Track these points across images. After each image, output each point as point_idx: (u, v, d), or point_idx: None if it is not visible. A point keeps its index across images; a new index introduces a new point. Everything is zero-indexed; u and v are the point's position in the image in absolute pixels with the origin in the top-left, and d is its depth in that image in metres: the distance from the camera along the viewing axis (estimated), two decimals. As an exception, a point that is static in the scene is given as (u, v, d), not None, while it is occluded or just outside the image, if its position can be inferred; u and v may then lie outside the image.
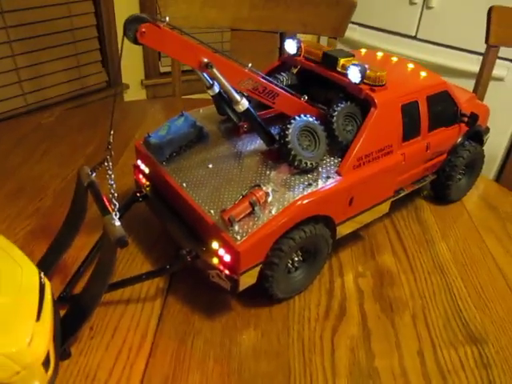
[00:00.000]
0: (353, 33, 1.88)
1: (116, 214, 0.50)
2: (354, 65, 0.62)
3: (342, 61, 0.65)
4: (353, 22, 1.83)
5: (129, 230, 0.71)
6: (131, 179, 0.74)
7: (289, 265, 0.61)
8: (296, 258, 0.62)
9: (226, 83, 0.55)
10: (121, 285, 0.59)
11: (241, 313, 0.61)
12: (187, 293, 0.63)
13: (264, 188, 0.57)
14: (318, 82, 0.70)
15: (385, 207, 0.69)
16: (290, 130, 0.58)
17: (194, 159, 0.65)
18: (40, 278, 0.53)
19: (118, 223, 0.50)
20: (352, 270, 0.69)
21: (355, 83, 0.62)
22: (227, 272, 0.55)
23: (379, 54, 0.78)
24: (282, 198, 0.57)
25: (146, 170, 0.69)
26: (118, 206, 0.51)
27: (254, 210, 0.55)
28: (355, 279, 0.67)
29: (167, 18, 0.49)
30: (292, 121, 0.59)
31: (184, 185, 0.62)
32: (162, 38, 0.49)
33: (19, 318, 0.47)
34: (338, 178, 0.60)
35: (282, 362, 0.55)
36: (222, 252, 0.55)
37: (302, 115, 0.60)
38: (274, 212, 0.55)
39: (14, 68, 1.54)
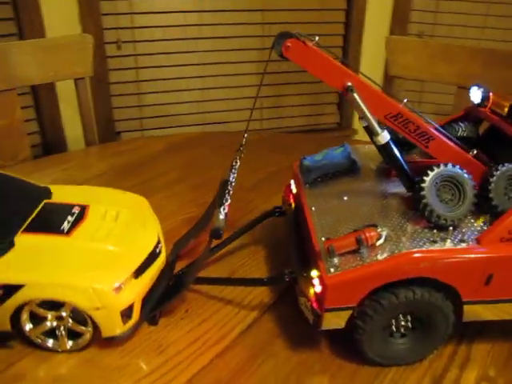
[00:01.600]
0: None
1: (224, 209, 0.54)
2: (534, 120, 0.51)
3: (528, 116, 0.54)
4: None
5: (263, 238, 0.74)
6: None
7: (393, 327, 0.53)
8: (403, 323, 0.53)
9: (367, 112, 0.52)
10: (216, 281, 0.62)
11: (324, 357, 0.56)
12: (285, 316, 0.61)
13: (379, 230, 0.51)
14: (507, 138, 0.59)
15: (550, 308, 0.54)
16: (430, 177, 0.52)
17: (335, 188, 0.64)
18: (156, 247, 0.60)
19: (222, 216, 0.53)
20: (480, 369, 0.55)
21: (535, 143, 0.51)
22: (313, 304, 0.52)
23: None
24: (396, 245, 0.51)
25: (294, 190, 0.71)
26: (229, 201, 0.54)
27: (360, 248, 0.51)
28: (478, 381, 0.53)
29: (317, 38, 0.50)
30: (435, 167, 0.52)
31: (313, 209, 0.61)
32: (306, 55, 0.50)
33: (118, 266, 0.54)
34: (475, 245, 0.50)
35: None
36: (316, 281, 0.52)
37: (451, 164, 0.52)
38: (379, 257, 0.50)
39: (260, 96, 1.77)
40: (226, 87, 1.68)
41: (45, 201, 0.62)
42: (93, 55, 1.08)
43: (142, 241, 0.59)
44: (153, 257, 0.59)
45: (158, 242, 0.61)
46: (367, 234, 0.51)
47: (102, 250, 0.55)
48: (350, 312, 0.51)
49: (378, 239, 0.51)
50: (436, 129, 0.56)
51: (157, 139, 1.16)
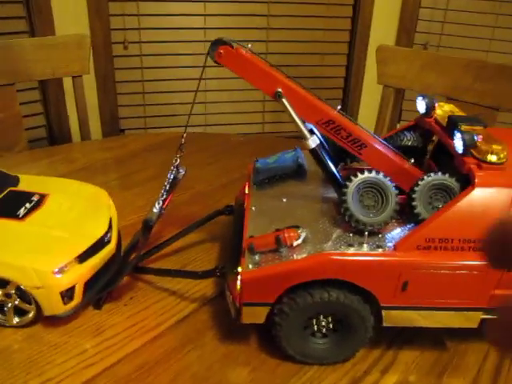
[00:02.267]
0: None
1: (159, 203, 0.57)
2: (458, 131, 0.52)
3: (463, 127, 0.55)
4: None
5: (219, 236, 0.78)
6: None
7: (314, 326, 0.55)
8: (324, 323, 0.55)
9: (295, 117, 0.55)
10: (155, 272, 0.65)
11: (250, 350, 0.58)
12: (222, 310, 0.63)
13: (299, 231, 0.53)
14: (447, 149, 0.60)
15: (471, 317, 0.54)
16: (353, 182, 0.53)
17: (278, 190, 0.66)
18: (104, 236, 0.63)
19: (155, 210, 0.56)
20: (401, 374, 0.56)
21: (459, 154, 0.52)
22: (235, 298, 0.54)
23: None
24: (314, 247, 0.53)
25: (247, 191, 0.73)
26: (164, 196, 0.57)
27: (279, 247, 0.53)
28: (397, 386, 0.55)
29: (250, 45, 0.53)
30: (359, 173, 0.54)
31: (253, 208, 0.63)
32: (237, 61, 0.53)
33: (61, 250, 0.58)
34: (390, 251, 0.51)
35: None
36: (239, 277, 0.55)
37: (374, 171, 0.54)
38: (296, 256, 0.52)
39: (262, 100, 1.80)
40: (229, 90, 1.72)
41: (10, 188, 0.66)
42: (90, 54, 1.13)
43: (91, 229, 0.63)
44: (100, 245, 0.62)
45: (107, 232, 0.64)
46: (286, 235, 0.53)
47: (49, 235, 0.59)
48: (269, 308, 0.54)
49: (297, 240, 0.53)
50: (372, 137, 0.57)
51: (143, 137, 1.21)
